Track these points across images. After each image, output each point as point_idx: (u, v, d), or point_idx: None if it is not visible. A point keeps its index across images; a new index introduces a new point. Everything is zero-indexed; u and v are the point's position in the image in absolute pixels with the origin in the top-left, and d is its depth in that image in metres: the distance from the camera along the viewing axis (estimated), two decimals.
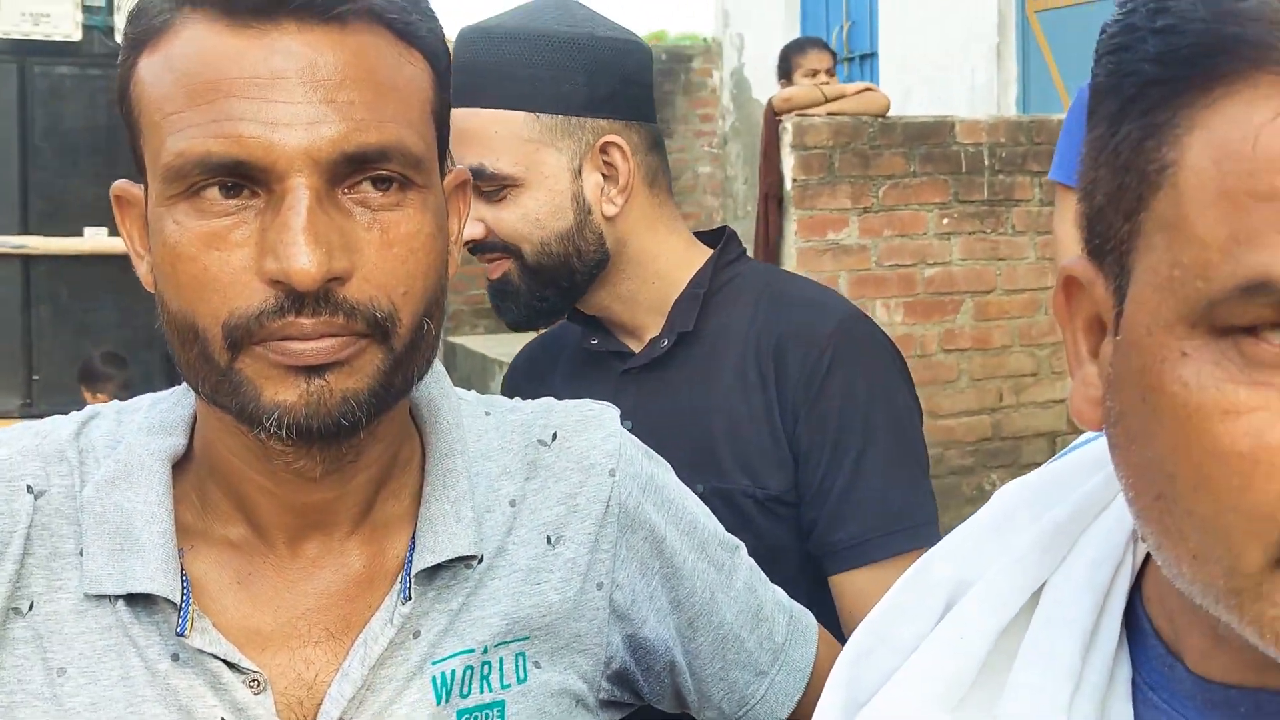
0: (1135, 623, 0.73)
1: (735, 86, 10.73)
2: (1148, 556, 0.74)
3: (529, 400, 1.10)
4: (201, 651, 0.90)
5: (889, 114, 5.24)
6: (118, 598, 0.90)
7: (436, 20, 0.92)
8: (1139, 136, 0.60)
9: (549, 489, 1.03)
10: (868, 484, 1.42)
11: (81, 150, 6.10)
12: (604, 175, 1.47)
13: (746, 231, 9.86)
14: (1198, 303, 0.58)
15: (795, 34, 9.82)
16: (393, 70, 0.86)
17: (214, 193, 0.83)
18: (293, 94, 0.82)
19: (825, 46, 5.78)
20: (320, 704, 0.92)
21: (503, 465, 1.03)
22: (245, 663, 0.90)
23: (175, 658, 0.90)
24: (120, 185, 0.93)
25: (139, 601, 0.91)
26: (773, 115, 5.23)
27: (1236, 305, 0.57)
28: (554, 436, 1.05)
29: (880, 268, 5.18)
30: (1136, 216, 0.61)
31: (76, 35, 5.93)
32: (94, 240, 5.93)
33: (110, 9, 5.95)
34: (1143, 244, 0.61)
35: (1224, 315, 0.57)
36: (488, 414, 1.06)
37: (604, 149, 1.46)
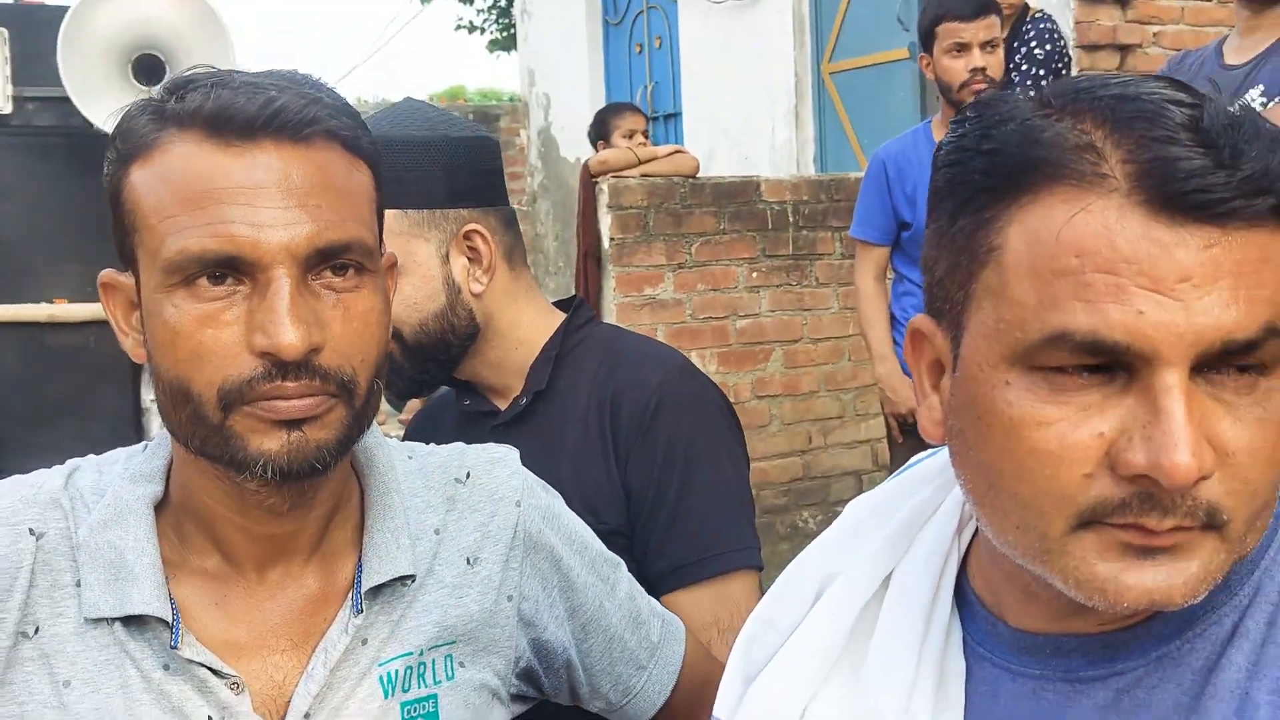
0: (963, 596, 0.93)
1: (543, 145, 10.80)
2: (969, 545, 0.95)
3: (443, 445, 1.26)
4: (190, 661, 1.05)
5: (698, 174, 5.39)
6: (115, 620, 1.04)
7: (370, 133, 1.08)
8: (971, 228, 0.80)
9: (466, 519, 1.21)
10: (686, 516, 1.56)
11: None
12: (469, 258, 1.62)
13: (560, 287, 9.99)
14: (1016, 348, 0.77)
15: (600, 93, 9.98)
16: (347, 178, 1.04)
17: (204, 281, 0.98)
18: (273, 200, 0.98)
19: (639, 110, 5.92)
20: (290, 700, 1.08)
21: (427, 500, 1.19)
22: (226, 669, 1.06)
23: (166, 668, 1.05)
24: (107, 274, 1.08)
25: (133, 622, 1.05)
26: (589, 177, 5.34)
27: (1044, 350, 0.76)
28: (468, 475, 1.23)
29: (695, 320, 5.31)
30: (969, 286, 0.81)
31: (7, 108, 5.82)
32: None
33: None
34: (974, 306, 0.81)
35: (1035, 357, 0.77)
36: (410, 457, 1.22)
37: (467, 235, 1.61)
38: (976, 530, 0.95)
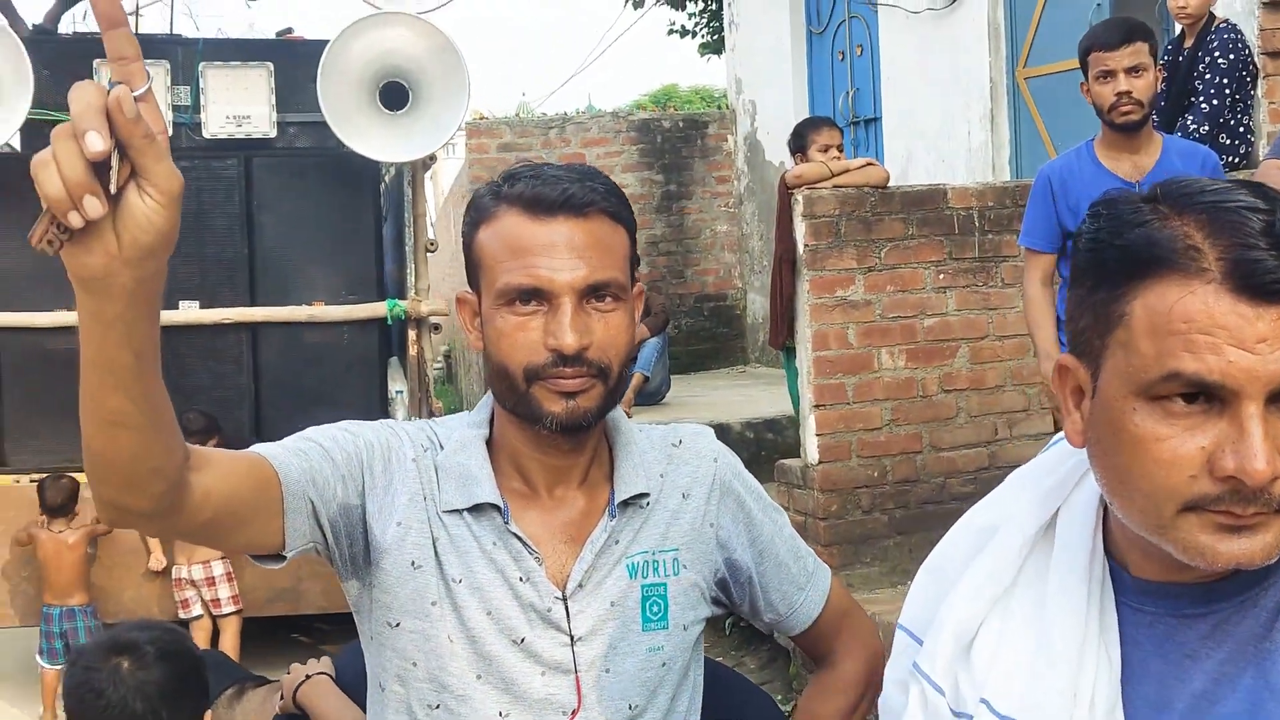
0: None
1: (749, 150, 11.10)
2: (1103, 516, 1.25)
3: (660, 425, 1.82)
4: (514, 535, 1.62)
5: (888, 184, 5.62)
6: (464, 510, 1.63)
7: (629, 204, 1.66)
8: (1107, 299, 1.10)
9: (681, 469, 1.74)
10: None
11: (180, 234, 6.64)
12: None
13: (763, 285, 10.38)
14: (1141, 384, 1.06)
15: (804, 99, 10.23)
16: (610, 238, 1.61)
17: (518, 305, 1.57)
18: (563, 254, 1.57)
19: (835, 125, 6.15)
20: (569, 574, 1.64)
21: (654, 456, 1.74)
22: (533, 546, 1.63)
23: (494, 543, 1.62)
24: (461, 292, 1.67)
25: (476, 511, 1.63)
26: (785, 189, 5.65)
27: (1160, 385, 1.05)
28: (680, 441, 1.78)
29: (884, 319, 5.51)
30: (1106, 338, 1.10)
31: (169, 132, 6.53)
32: (187, 313, 6.48)
33: (197, 107, 6.54)
34: (1108, 353, 1.10)
35: (1154, 390, 1.06)
36: (640, 430, 1.77)
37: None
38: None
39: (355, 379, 6.90)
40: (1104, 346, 1.11)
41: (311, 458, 1.57)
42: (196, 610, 6.28)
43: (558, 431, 1.59)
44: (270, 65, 6.61)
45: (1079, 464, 1.25)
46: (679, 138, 11.39)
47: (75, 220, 1.11)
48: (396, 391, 6.99)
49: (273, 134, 6.63)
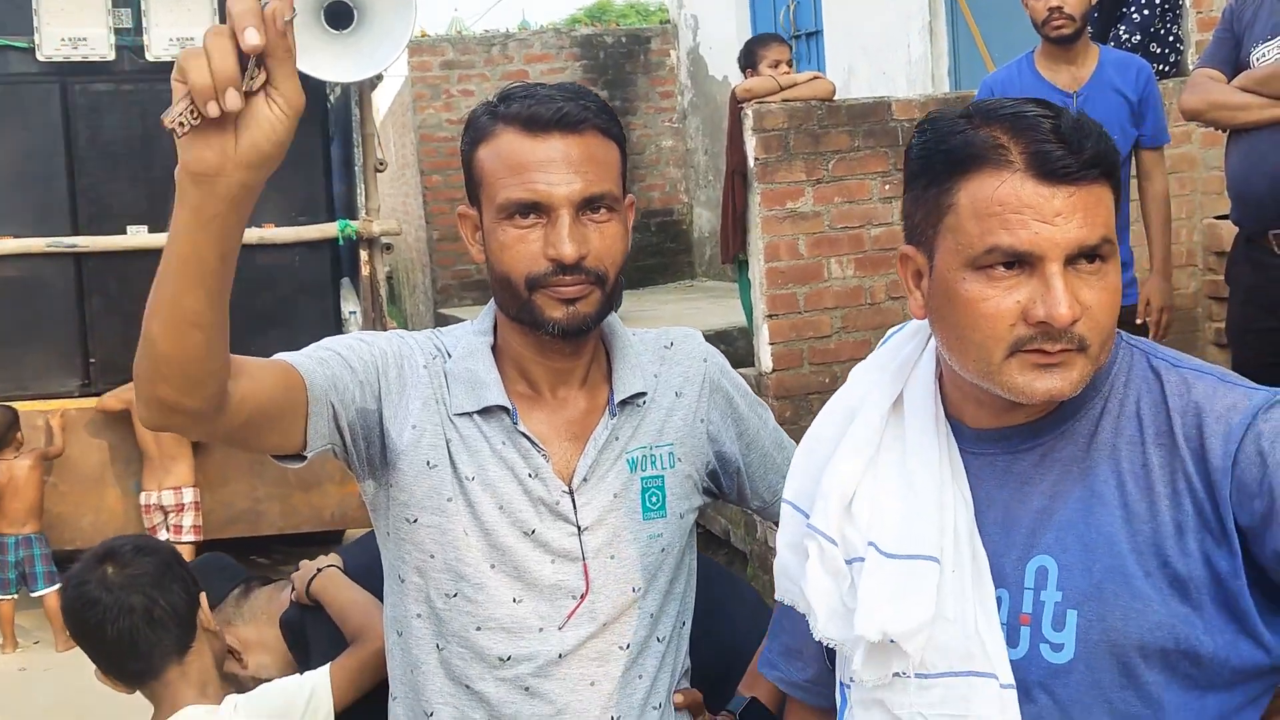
0: None
1: (692, 64, 11.09)
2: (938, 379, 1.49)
3: (653, 329, 1.92)
4: (523, 434, 1.72)
5: (834, 97, 5.73)
6: (474, 412, 1.73)
7: (619, 121, 1.74)
8: (937, 194, 1.36)
9: (673, 369, 1.85)
10: None
11: (120, 158, 6.59)
12: None
13: (709, 199, 10.46)
14: (969, 258, 1.32)
15: (746, 14, 10.21)
16: (604, 153, 1.70)
17: (518, 218, 1.66)
18: (559, 169, 1.65)
19: (784, 41, 6.21)
20: (574, 469, 1.75)
21: (647, 358, 1.84)
22: (540, 444, 1.74)
23: (504, 443, 1.73)
24: (463, 208, 1.76)
25: (485, 413, 1.73)
26: (736, 103, 5.72)
27: (984, 257, 1.31)
28: (672, 343, 1.88)
29: (833, 230, 5.66)
30: (938, 225, 1.36)
31: (110, 55, 6.41)
32: (137, 237, 6.46)
33: (138, 29, 6.47)
34: (940, 237, 1.36)
35: (980, 261, 1.32)
36: (634, 334, 1.87)
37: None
38: (941, 370, 1.48)
39: (308, 300, 6.93)
40: (936, 233, 1.37)
41: (331, 365, 1.67)
42: (162, 535, 6.35)
43: (559, 335, 1.69)
44: None
45: (914, 349, 1.53)
46: (622, 53, 11.38)
47: (213, 109, 1.25)
48: (350, 312, 7.05)
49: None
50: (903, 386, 1.51)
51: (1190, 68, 4.93)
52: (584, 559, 1.75)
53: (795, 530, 1.56)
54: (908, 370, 1.52)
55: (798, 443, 2.01)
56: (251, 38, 1.22)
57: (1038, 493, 1.40)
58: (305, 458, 1.66)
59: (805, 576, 1.49)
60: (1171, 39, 5.84)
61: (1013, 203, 1.30)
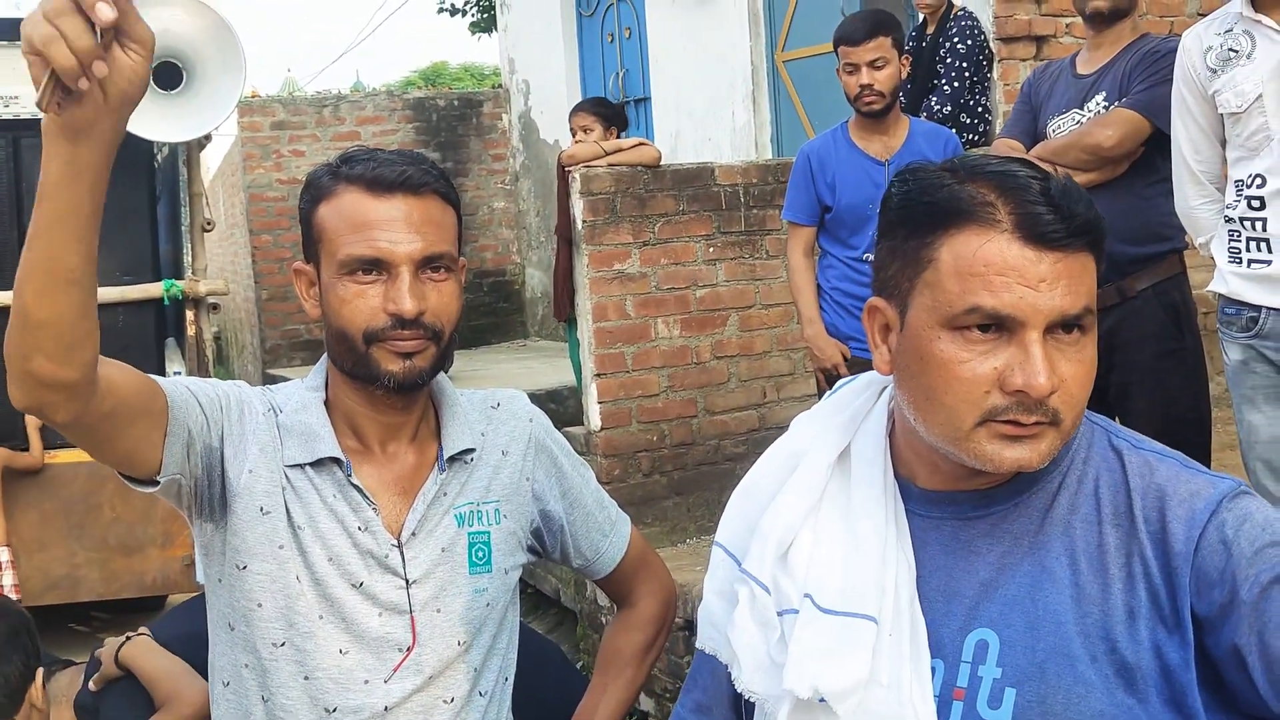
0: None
1: (524, 128, 11.20)
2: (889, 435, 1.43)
3: (479, 389, 1.97)
4: (355, 486, 1.75)
5: (660, 163, 5.82)
6: (307, 464, 1.75)
7: (455, 188, 1.81)
8: (916, 246, 1.29)
9: (499, 429, 1.91)
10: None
11: None
12: None
13: (541, 259, 10.55)
14: (947, 316, 1.26)
15: (576, 80, 10.32)
16: (442, 216, 1.77)
17: (359, 273, 1.71)
18: (401, 228, 1.71)
19: (589, 111, 6.20)
20: (403, 523, 1.78)
21: (475, 416, 1.89)
22: (371, 497, 1.76)
23: (335, 496, 1.75)
24: (297, 264, 1.79)
25: (318, 465, 1.76)
26: (562, 169, 5.80)
27: (963, 317, 1.25)
28: (499, 404, 1.94)
29: (659, 291, 5.76)
30: (915, 280, 1.29)
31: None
32: None
33: None
34: (916, 293, 1.29)
35: (957, 321, 1.25)
36: (461, 394, 1.91)
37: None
38: (892, 426, 1.42)
39: (132, 360, 6.46)
40: (913, 287, 1.31)
41: (183, 394, 1.70)
42: None
43: (394, 389, 1.74)
44: None
45: (864, 403, 1.48)
46: (454, 116, 11.44)
47: (84, 84, 1.29)
48: (175, 373, 6.92)
49: (42, 114, 6.45)
50: (850, 439, 1.45)
51: (996, 137, 5.20)
52: (411, 612, 1.78)
53: (725, 575, 1.51)
54: (856, 423, 1.47)
55: (618, 502, 2.09)
56: (105, 13, 1.24)
57: (984, 563, 1.34)
58: (158, 483, 1.67)
59: (733, 624, 1.44)
60: (980, 110, 6.15)
61: (998, 263, 1.25)
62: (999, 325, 1.26)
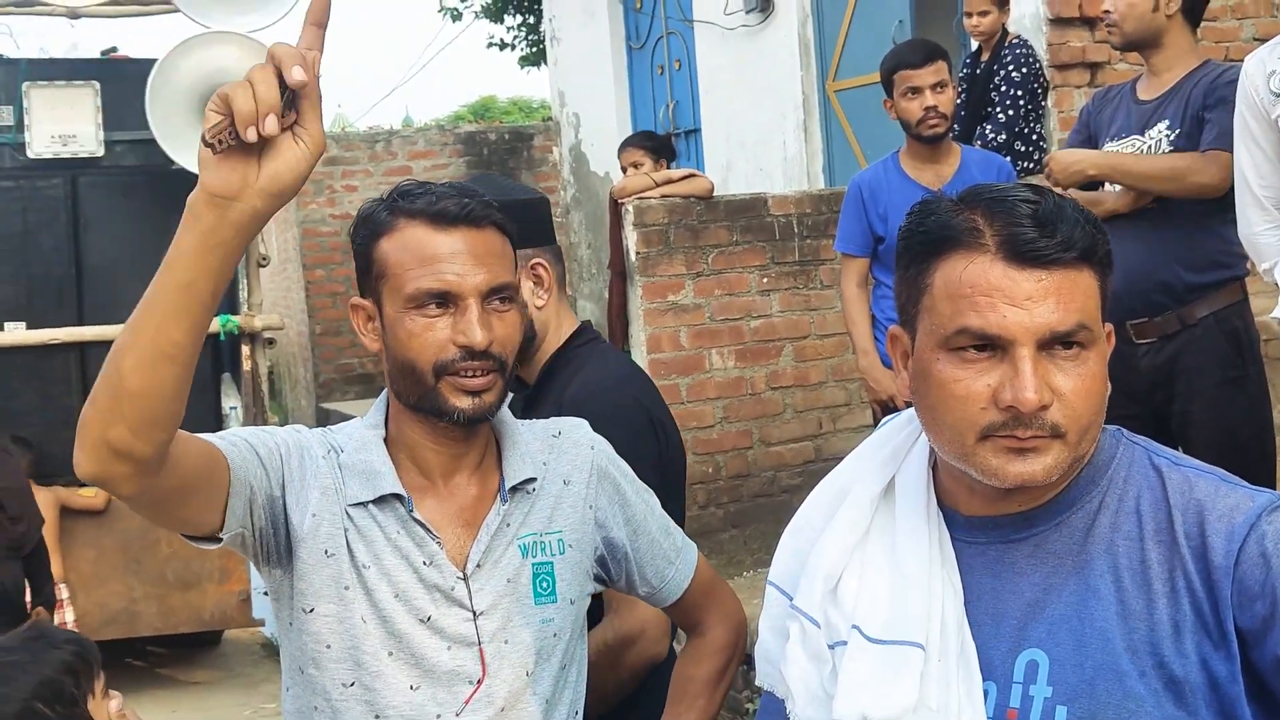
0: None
1: (574, 160, 11.19)
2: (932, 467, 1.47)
3: (540, 419, 1.98)
4: (418, 522, 1.76)
5: (713, 194, 5.82)
6: (369, 502, 1.76)
7: (510, 220, 1.82)
8: (916, 274, 1.36)
9: (561, 458, 1.91)
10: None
11: (0, 254, 6.50)
12: (533, 282, 2.28)
13: (592, 292, 10.57)
14: (941, 338, 1.32)
15: (626, 112, 10.32)
16: (502, 248, 1.78)
17: (428, 308, 1.72)
18: (466, 261, 1.73)
19: (639, 145, 6.24)
20: (467, 555, 1.79)
21: (536, 445, 1.90)
22: (434, 531, 1.77)
23: (399, 532, 1.76)
24: (354, 300, 1.81)
25: (380, 502, 1.76)
26: (614, 204, 5.78)
27: (955, 338, 1.30)
28: (560, 432, 1.94)
29: (713, 322, 5.75)
30: (918, 306, 1.36)
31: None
32: (13, 334, 6.39)
33: (20, 126, 6.44)
34: (920, 318, 1.36)
35: (951, 343, 1.31)
36: (521, 423, 1.92)
37: (532, 266, 2.28)
38: (935, 458, 1.46)
39: (189, 396, 6.81)
40: (916, 313, 1.38)
41: (243, 450, 1.71)
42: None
43: (462, 424, 1.75)
44: (96, 84, 6.57)
45: (907, 437, 1.51)
46: (505, 149, 11.52)
47: (252, 134, 1.35)
48: (230, 408, 6.98)
49: (100, 152, 6.59)
50: (894, 473, 1.49)
51: None
52: (480, 644, 1.78)
53: (778, 612, 1.55)
54: (900, 457, 1.50)
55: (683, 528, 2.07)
56: (298, 74, 1.35)
57: (1030, 584, 1.38)
58: (220, 540, 1.69)
59: (786, 659, 1.48)
60: (1035, 137, 6.11)
61: (981, 285, 1.30)
62: (992, 345, 1.30)
